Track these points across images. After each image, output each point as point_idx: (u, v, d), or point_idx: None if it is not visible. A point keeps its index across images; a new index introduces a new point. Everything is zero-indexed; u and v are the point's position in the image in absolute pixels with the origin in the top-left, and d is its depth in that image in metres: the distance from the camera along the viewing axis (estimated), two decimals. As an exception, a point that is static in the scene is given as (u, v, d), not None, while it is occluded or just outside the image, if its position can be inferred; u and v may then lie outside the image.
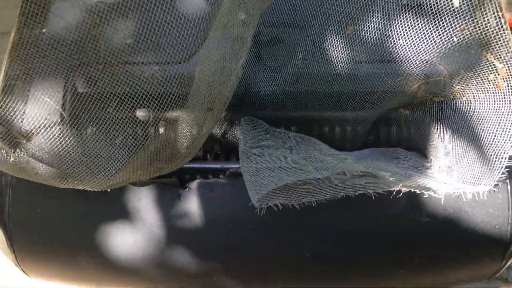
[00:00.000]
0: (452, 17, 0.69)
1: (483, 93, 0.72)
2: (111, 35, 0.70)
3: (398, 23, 0.74)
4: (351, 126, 0.86)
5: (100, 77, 0.71)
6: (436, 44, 0.72)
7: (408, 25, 0.74)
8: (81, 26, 0.67)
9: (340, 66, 0.79)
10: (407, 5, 0.73)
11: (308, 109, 0.85)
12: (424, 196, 0.73)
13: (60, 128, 0.70)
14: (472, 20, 0.68)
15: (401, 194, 0.72)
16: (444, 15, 0.70)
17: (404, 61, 0.76)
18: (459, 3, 0.68)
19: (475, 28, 0.68)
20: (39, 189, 0.77)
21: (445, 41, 0.71)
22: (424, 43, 0.73)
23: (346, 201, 0.75)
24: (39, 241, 0.78)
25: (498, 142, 0.68)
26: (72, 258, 0.80)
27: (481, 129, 0.71)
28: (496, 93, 0.70)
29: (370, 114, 0.83)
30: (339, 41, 0.79)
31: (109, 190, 0.76)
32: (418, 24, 0.73)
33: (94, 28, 0.68)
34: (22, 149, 0.69)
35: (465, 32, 0.69)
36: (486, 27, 0.67)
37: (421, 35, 0.73)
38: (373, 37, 0.76)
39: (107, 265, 0.79)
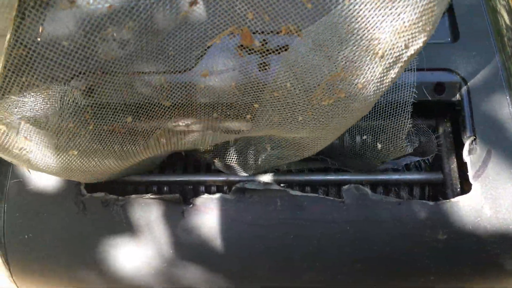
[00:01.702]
0: None
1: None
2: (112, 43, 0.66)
3: None
4: None
5: (99, 86, 0.67)
6: None
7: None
8: (81, 32, 0.63)
9: None
10: None
11: None
12: (442, 212, 0.70)
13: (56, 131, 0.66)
14: None
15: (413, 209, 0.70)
16: None
17: None
18: None
19: None
20: (36, 204, 0.74)
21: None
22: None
23: (360, 219, 0.72)
24: (35, 258, 0.75)
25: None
26: (70, 276, 0.76)
27: None
28: None
29: None
30: None
31: (107, 205, 0.73)
32: None
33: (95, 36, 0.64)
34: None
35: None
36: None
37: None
38: None
39: (105, 283, 0.75)
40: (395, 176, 0.80)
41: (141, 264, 0.73)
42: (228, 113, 0.80)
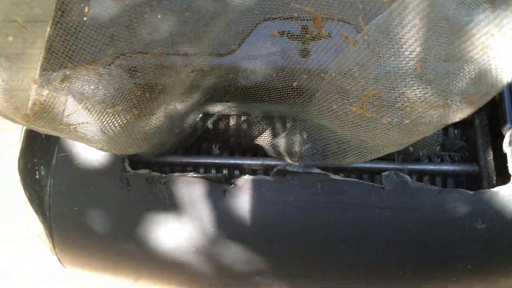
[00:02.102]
0: None
1: None
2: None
3: None
4: None
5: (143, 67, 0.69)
6: None
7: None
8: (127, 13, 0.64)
9: None
10: None
11: None
12: (482, 201, 0.71)
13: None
14: None
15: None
16: None
17: None
18: None
19: None
20: (81, 178, 0.75)
21: None
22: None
23: (399, 206, 0.73)
24: (78, 230, 0.76)
25: None
26: (112, 250, 0.78)
27: None
28: None
29: None
30: None
31: (151, 182, 0.74)
32: None
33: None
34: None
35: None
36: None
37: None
38: None
39: (146, 258, 0.77)
40: (430, 166, 0.81)
41: (182, 241, 0.74)
42: (269, 96, 0.81)
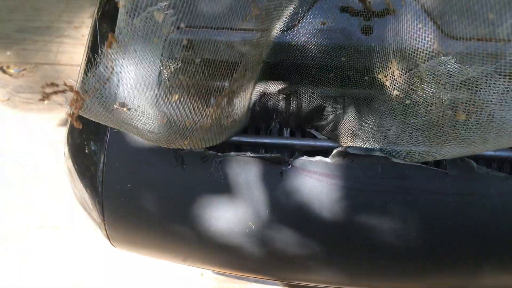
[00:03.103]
0: None
1: None
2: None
3: None
4: None
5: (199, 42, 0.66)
6: None
7: None
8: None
9: None
10: None
11: None
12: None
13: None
14: None
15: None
16: None
17: None
18: None
19: None
20: (135, 155, 0.74)
21: None
22: None
23: (464, 192, 0.71)
24: (130, 209, 0.75)
25: None
26: (162, 229, 0.76)
27: None
28: None
29: None
30: None
31: (206, 161, 0.72)
32: None
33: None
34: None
35: None
36: None
37: None
38: None
39: (196, 238, 0.75)
40: (498, 153, 0.77)
41: (235, 222, 0.73)
42: (328, 76, 0.78)
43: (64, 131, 0.82)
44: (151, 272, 1.50)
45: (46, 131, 1.67)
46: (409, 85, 0.66)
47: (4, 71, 1.73)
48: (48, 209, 1.60)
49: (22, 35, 1.80)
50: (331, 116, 0.81)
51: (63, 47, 1.78)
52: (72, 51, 1.79)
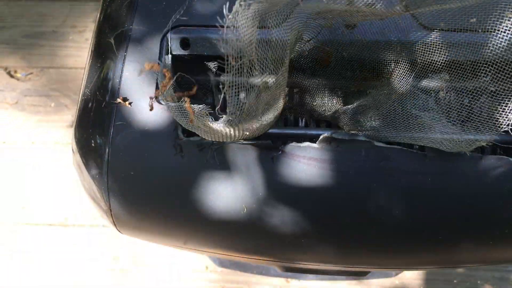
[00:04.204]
0: None
1: None
2: None
3: None
4: None
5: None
6: None
7: None
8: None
9: None
10: None
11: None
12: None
13: None
14: None
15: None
16: None
17: None
18: None
19: None
20: (136, 147, 0.80)
21: None
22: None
23: (441, 172, 0.76)
24: (133, 195, 0.81)
25: None
26: (163, 214, 0.82)
27: None
28: None
29: None
30: None
31: (202, 149, 0.78)
32: None
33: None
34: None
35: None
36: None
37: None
38: None
39: (197, 221, 0.81)
40: (470, 136, 0.83)
41: (232, 204, 0.78)
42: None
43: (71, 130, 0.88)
44: (154, 266, 1.54)
45: (53, 134, 1.73)
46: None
47: (11, 76, 1.80)
48: (47, 209, 1.65)
49: (28, 40, 1.87)
50: (331, 107, 0.87)
51: (68, 51, 1.85)
52: (76, 55, 1.86)
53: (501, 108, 0.71)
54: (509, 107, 0.71)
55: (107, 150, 0.80)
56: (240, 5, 0.54)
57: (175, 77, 0.70)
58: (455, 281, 1.56)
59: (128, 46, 0.83)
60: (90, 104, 0.84)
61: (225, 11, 0.53)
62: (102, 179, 0.81)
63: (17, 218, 1.62)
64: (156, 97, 0.77)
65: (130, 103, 0.80)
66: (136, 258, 1.56)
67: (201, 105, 0.64)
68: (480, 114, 0.73)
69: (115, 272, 1.56)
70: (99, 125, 0.82)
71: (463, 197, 0.76)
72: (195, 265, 1.55)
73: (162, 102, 0.68)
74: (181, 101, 0.64)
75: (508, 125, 0.72)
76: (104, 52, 0.85)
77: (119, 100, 0.80)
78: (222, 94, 0.62)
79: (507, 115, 0.70)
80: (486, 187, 0.75)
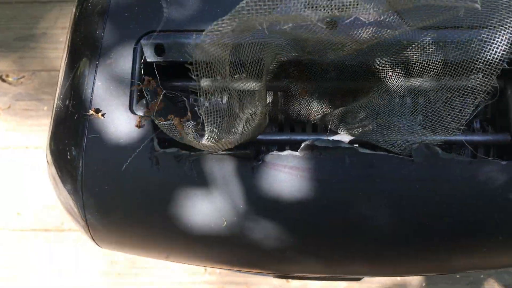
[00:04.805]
0: None
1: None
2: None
3: None
4: None
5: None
6: None
7: None
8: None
9: None
10: None
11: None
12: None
13: None
14: None
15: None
16: None
17: None
18: None
19: None
20: (112, 158, 0.77)
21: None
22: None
23: (429, 178, 0.72)
24: (109, 210, 0.78)
25: None
26: (143, 227, 0.79)
27: None
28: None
29: None
30: None
31: (180, 160, 0.75)
32: None
33: None
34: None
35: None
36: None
37: None
38: None
39: (177, 235, 0.78)
40: (460, 137, 0.79)
41: (211, 217, 0.75)
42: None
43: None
44: (153, 268, 1.53)
45: (45, 138, 1.71)
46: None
47: (3, 80, 1.78)
48: (43, 213, 1.64)
49: (20, 43, 1.85)
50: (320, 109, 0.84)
51: (59, 53, 1.83)
52: (67, 57, 1.83)
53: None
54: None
55: (81, 164, 0.77)
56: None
57: (161, 95, 0.70)
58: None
59: (100, 55, 0.80)
60: (63, 116, 0.81)
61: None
62: (77, 194, 0.78)
63: (13, 224, 1.61)
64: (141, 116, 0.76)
65: (103, 115, 0.77)
66: (132, 262, 1.55)
67: (189, 121, 0.65)
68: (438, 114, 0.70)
69: (112, 276, 1.54)
70: (73, 137, 0.79)
71: (453, 203, 0.72)
72: (194, 268, 1.53)
73: (156, 121, 0.69)
74: (170, 119, 0.66)
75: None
76: (75, 61, 0.82)
77: (91, 112, 0.77)
78: (201, 113, 0.62)
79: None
80: (476, 192, 0.72)
